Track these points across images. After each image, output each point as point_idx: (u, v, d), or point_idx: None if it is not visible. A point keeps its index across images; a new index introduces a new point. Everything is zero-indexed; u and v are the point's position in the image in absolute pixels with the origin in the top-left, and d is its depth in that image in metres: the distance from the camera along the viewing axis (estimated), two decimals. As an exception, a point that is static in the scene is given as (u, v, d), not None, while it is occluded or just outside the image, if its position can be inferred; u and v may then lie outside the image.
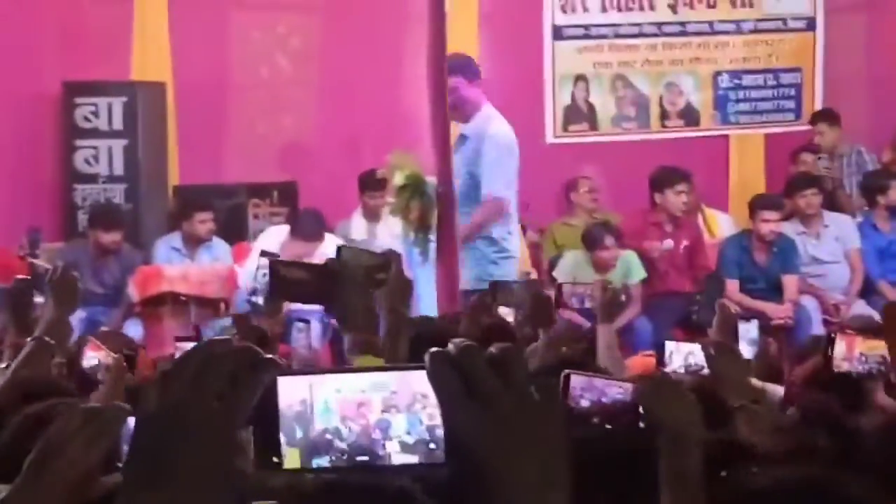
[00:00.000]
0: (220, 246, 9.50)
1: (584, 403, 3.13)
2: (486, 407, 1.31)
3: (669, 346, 5.11)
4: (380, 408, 1.60)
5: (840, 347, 4.15)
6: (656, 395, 2.54)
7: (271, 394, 1.55)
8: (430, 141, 8.25)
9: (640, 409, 2.83)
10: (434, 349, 1.34)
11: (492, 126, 7.63)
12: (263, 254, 5.90)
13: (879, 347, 4.02)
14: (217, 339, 1.39)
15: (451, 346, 1.33)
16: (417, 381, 1.57)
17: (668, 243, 9.10)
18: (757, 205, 9.10)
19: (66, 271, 4.15)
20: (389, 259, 3.78)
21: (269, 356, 1.38)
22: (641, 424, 2.87)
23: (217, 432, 1.33)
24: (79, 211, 9.72)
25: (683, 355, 4.92)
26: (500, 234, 7.54)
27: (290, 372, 1.66)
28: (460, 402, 1.32)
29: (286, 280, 3.93)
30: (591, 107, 10.83)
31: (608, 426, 3.06)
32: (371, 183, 8.98)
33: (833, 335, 4.26)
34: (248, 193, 10.07)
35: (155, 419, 1.33)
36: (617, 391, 3.11)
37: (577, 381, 3.17)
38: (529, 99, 10.58)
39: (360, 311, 3.61)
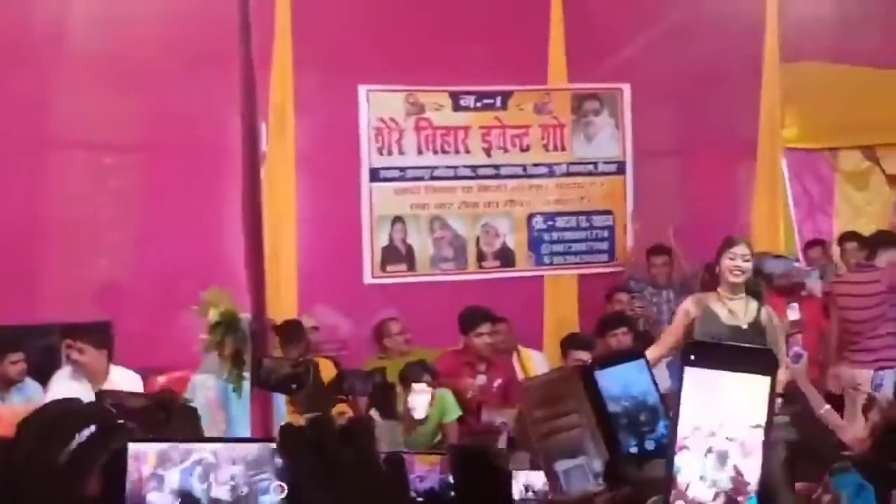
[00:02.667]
0: (32, 387, 9.28)
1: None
2: (336, 477, 1.32)
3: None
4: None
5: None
6: (463, 464, 2.50)
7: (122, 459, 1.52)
8: (245, 279, 8.27)
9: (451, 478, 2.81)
10: (285, 423, 1.35)
11: None
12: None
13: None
14: (68, 398, 1.38)
15: (303, 420, 1.34)
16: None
17: (481, 381, 9.17)
18: (568, 344, 9.21)
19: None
20: (308, 367, 3.83)
21: (122, 421, 1.37)
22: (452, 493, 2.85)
23: (61, 490, 1.32)
24: None
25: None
26: None
27: (141, 439, 1.63)
28: (311, 472, 1.32)
29: None
30: (408, 247, 10.94)
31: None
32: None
33: None
34: (61, 333, 9.89)
35: (3, 473, 1.32)
36: (428, 468, 3.09)
37: None
38: (347, 239, 10.67)
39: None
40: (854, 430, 6.43)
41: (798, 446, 4.06)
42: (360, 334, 10.56)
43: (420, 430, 8.55)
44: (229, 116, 9.62)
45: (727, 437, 1.48)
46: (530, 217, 11.24)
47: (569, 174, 11.32)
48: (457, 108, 11.03)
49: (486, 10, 10.92)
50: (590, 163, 11.39)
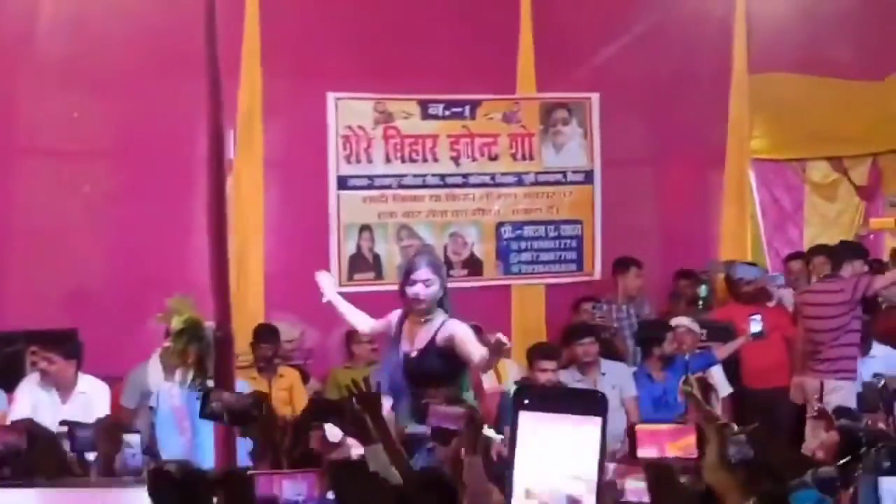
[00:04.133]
0: (-5, 394, 9.23)
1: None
2: None
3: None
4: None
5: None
6: (345, 480, 2.51)
7: None
8: (209, 286, 8.23)
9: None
10: (154, 466, 1.35)
11: None
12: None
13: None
14: None
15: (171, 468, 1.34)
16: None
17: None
18: (534, 354, 9.20)
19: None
20: (259, 399, 3.95)
21: None
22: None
23: None
24: None
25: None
26: None
27: None
28: None
29: None
30: (376, 256, 10.92)
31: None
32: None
33: None
34: (26, 340, 9.82)
35: None
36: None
37: None
38: (314, 248, 10.62)
39: None
40: (811, 442, 6.43)
41: (755, 464, 4.06)
42: (327, 343, 10.52)
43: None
44: (196, 124, 9.60)
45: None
46: (499, 226, 11.25)
47: (537, 183, 11.32)
48: (425, 116, 11.02)
49: (455, 19, 10.92)
50: (558, 172, 11.39)
